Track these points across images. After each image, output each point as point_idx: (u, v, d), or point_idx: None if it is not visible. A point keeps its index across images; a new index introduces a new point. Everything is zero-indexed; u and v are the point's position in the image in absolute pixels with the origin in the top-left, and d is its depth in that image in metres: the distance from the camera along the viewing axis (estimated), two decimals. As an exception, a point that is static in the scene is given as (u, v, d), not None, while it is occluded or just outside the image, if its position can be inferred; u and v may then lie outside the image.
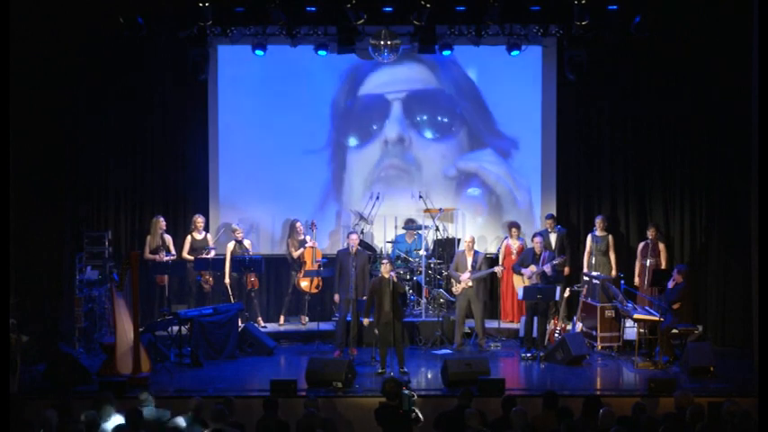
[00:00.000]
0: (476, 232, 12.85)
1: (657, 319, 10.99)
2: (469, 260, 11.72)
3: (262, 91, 13.27)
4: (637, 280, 12.19)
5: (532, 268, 11.67)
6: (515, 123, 13.32)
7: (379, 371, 10.58)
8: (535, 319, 11.63)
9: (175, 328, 11.40)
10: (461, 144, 13.36)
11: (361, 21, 11.90)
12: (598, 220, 12.44)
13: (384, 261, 10.82)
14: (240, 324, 11.85)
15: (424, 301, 12.47)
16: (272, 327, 12.76)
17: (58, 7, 11.37)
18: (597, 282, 11.77)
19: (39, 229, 11.50)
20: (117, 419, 7.73)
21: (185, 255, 12.50)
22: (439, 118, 13.37)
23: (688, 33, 12.15)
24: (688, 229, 12.70)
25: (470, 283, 11.65)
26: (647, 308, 11.32)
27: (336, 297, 11.76)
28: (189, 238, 12.57)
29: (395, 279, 10.58)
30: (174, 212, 13.17)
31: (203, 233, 12.61)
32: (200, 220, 12.61)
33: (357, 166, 13.41)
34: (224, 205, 13.31)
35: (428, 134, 13.36)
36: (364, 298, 11.49)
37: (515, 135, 13.34)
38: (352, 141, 13.38)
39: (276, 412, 8.19)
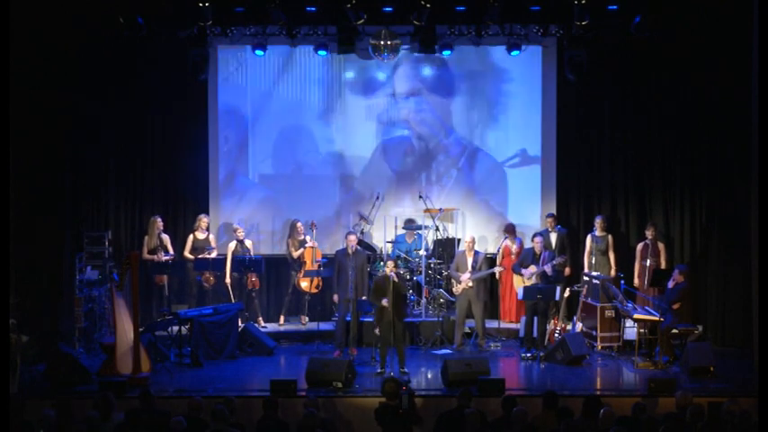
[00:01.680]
0: (476, 231, 12.86)
1: (657, 319, 10.99)
2: (470, 260, 11.71)
3: (261, 90, 13.27)
4: (636, 281, 12.18)
5: (532, 268, 11.66)
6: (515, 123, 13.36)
7: (379, 371, 10.57)
8: (535, 319, 11.62)
9: (175, 328, 11.40)
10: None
11: (361, 21, 11.90)
12: (598, 220, 12.44)
13: (389, 261, 10.83)
14: (240, 324, 11.85)
15: (424, 301, 12.47)
16: (272, 327, 12.75)
17: (58, 7, 11.36)
18: (597, 282, 11.77)
19: (39, 229, 11.49)
20: None
21: (187, 254, 12.51)
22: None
23: (688, 33, 12.15)
24: (688, 229, 12.70)
25: (470, 284, 11.65)
26: (647, 308, 11.32)
27: (336, 297, 11.76)
28: (191, 237, 12.57)
29: (395, 279, 10.57)
30: (174, 212, 13.17)
31: (206, 233, 12.61)
32: (204, 219, 12.61)
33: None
34: (224, 205, 13.32)
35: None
36: (364, 298, 11.52)
37: (516, 136, 13.35)
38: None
39: (276, 412, 8.19)
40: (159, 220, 12.50)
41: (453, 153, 13.36)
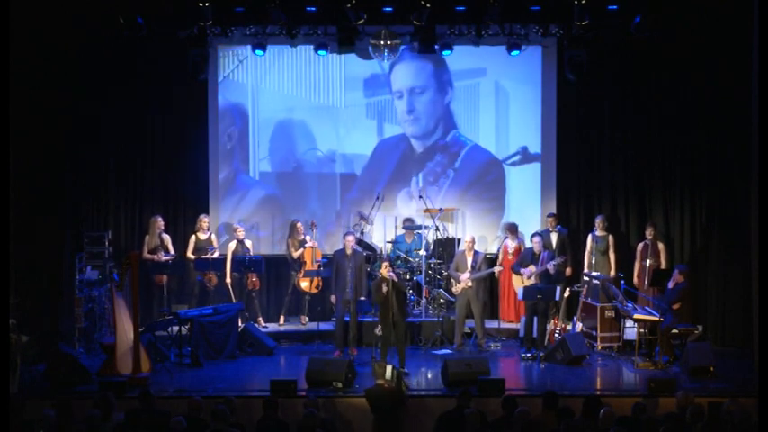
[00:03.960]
0: (476, 231, 12.85)
1: (657, 319, 10.99)
2: (469, 260, 11.71)
3: (261, 90, 13.28)
4: (636, 281, 12.19)
5: (531, 268, 11.67)
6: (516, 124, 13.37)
7: (379, 371, 10.58)
8: (535, 319, 11.62)
9: (175, 328, 11.40)
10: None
11: (361, 21, 11.89)
12: (598, 220, 12.44)
13: (385, 262, 10.82)
14: (240, 324, 11.85)
15: (424, 301, 12.47)
16: (272, 327, 12.76)
17: (58, 7, 11.36)
18: (597, 282, 11.77)
19: (39, 229, 11.48)
20: None
21: (189, 254, 12.51)
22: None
23: (688, 33, 12.15)
24: (688, 229, 12.70)
25: (470, 284, 11.65)
26: (647, 308, 11.32)
27: (333, 298, 11.76)
28: (193, 237, 12.58)
29: (395, 279, 10.57)
30: (174, 212, 13.18)
31: (208, 233, 12.62)
32: (205, 219, 12.62)
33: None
34: (224, 205, 13.32)
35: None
36: (363, 298, 11.52)
37: (516, 136, 13.36)
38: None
39: (276, 412, 8.19)
40: (160, 219, 12.51)
41: (453, 151, 13.36)
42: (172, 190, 13.20)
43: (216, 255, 12.43)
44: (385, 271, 10.52)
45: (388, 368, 9.14)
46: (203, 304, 12.27)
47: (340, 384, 9.86)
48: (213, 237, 12.70)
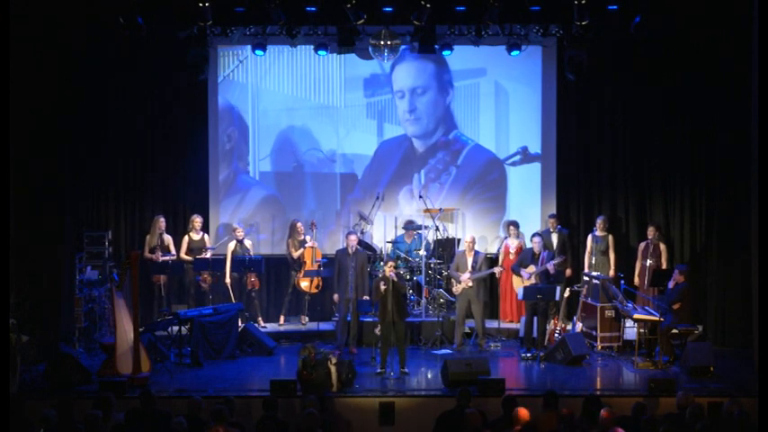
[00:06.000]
0: (476, 231, 12.85)
1: (657, 319, 10.99)
2: (470, 260, 11.72)
3: (261, 90, 13.29)
4: (636, 280, 12.19)
5: (531, 269, 11.67)
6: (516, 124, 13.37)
7: (379, 371, 10.58)
8: (535, 319, 11.63)
9: (175, 328, 11.40)
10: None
11: (361, 21, 11.88)
12: (599, 221, 12.44)
13: (390, 261, 10.83)
14: (240, 324, 11.85)
15: (424, 301, 12.47)
16: (271, 327, 12.76)
17: (59, 7, 11.36)
18: (597, 282, 11.77)
19: (39, 229, 11.48)
20: None
21: (183, 255, 12.51)
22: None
23: (688, 33, 12.15)
24: (688, 229, 12.71)
25: (470, 284, 11.65)
26: (647, 308, 11.32)
27: (336, 297, 11.77)
28: (186, 238, 12.58)
29: (394, 278, 10.57)
30: (174, 212, 13.18)
31: (201, 233, 12.61)
32: (197, 220, 12.61)
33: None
34: (224, 205, 13.32)
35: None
36: (365, 297, 11.52)
37: (516, 136, 13.36)
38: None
39: (276, 412, 8.19)
40: (162, 219, 12.52)
41: (455, 149, 13.36)
42: (172, 190, 13.20)
43: (209, 255, 12.41)
44: (388, 269, 10.53)
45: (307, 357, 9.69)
46: (200, 304, 12.27)
47: (340, 384, 9.85)
48: (206, 237, 12.69)
